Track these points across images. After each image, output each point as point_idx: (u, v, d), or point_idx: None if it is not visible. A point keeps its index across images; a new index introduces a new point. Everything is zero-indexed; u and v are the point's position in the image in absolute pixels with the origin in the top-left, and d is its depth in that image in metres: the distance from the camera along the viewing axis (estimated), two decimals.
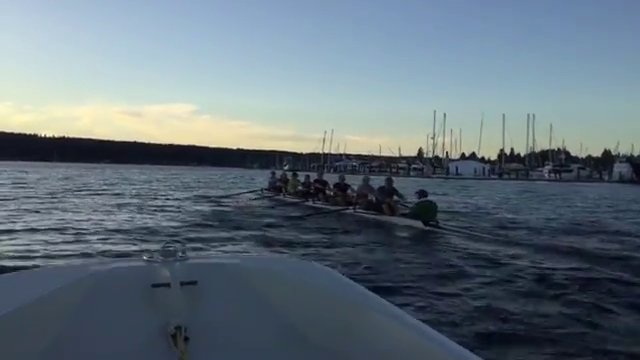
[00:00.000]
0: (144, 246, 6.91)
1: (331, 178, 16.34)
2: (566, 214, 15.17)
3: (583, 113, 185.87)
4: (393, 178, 12.65)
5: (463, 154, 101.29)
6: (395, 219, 10.78)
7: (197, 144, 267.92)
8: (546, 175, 72.07)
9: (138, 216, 11.41)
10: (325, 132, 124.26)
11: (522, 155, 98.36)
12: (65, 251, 6.57)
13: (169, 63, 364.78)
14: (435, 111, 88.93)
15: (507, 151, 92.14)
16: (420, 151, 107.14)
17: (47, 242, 7.23)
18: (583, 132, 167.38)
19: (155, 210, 12.77)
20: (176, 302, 1.45)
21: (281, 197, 16.00)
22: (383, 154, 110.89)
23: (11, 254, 6.24)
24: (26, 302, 1.36)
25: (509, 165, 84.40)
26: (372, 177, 15.99)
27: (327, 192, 14.37)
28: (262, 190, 18.27)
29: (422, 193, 10.52)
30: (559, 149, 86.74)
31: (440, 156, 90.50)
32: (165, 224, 9.96)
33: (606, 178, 69.33)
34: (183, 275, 1.51)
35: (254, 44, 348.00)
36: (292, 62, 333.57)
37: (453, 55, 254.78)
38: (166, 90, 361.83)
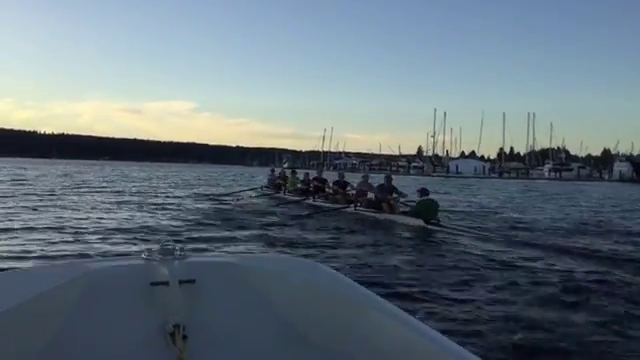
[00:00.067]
0: (144, 246, 6.65)
1: (331, 176, 16.26)
2: (573, 214, 15.00)
3: (583, 112, 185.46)
4: (393, 176, 12.62)
5: (463, 152, 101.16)
6: (396, 217, 10.70)
7: (197, 141, 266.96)
8: (546, 174, 71.95)
9: (138, 214, 11.21)
10: (325, 130, 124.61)
11: (522, 154, 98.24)
12: (63, 251, 6.35)
13: (169, 60, 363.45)
14: (435, 109, 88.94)
15: (506, 150, 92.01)
16: (420, 149, 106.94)
17: (45, 241, 7.02)
18: (583, 131, 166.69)
19: (155, 208, 12.58)
20: (174, 300, 1.44)
21: (281, 195, 15.92)
22: (383, 152, 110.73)
23: (7, 254, 6.03)
24: (24, 300, 1.34)
25: (509, 164, 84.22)
26: (372, 175, 15.84)
27: (327, 190, 14.24)
28: (262, 188, 18.18)
29: (424, 191, 10.46)
30: (559, 148, 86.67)
31: (440, 154, 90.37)
32: (166, 222, 9.77)
33: (606, 177, 69.23)
34: (182, 273, 1.49)
35: (254, 42, 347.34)
36: (292, 60, 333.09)
37: (453, 53, 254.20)
38: (166, 87, 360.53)
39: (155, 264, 1.55)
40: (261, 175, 29.61)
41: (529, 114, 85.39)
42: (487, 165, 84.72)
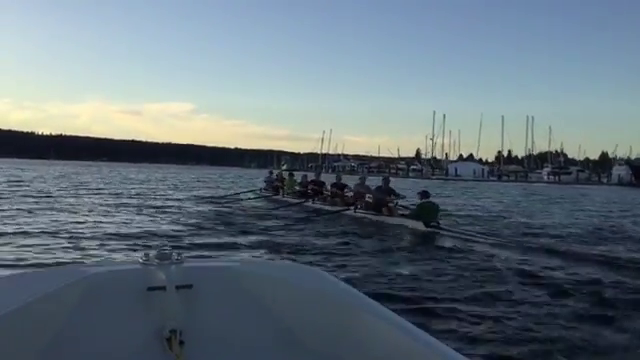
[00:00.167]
0: (143, 252, 6.34)
1: (329, 178, 16.12)
2: (582, 218, 14.72)
3: (582, 115, 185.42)
4: (392, 179, 12.66)
5: (461, 155, 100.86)
6: (396, 220, 10.66)
7: (195, 143, 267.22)
8: (545, 177, 71.59)
9: (137, 218, 10.88)
10: (324, 132, 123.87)
11: (519, 157, 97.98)
12: (59, 259, 5.98)
13: (167, 62, 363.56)
14: (435, 112, 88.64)
15: (505, 153, 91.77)
16: (418, 152, 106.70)
17: (38, 248, 6.66)
18: (582, 134, 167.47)
19: (155, 211, 12.24)
20: (171, 306, 1.44)
21: (280, 197, 15.78)
22: (382, 154, 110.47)
23: None
24: (21, 304, 1.32)
25: (508, 167, 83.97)
26: (371, 178, 15.71)
27: (325, 192, 14.16)
28: (261, 190, 18.05)
29: (424, 194, 10.40)
30: (557, 151, 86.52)
31: (438, 157, 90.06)
32: (165, 227, 9.48)
33: (605, 181, 69.00)
34: (179, 278, 1.49)
35: (252, 43, 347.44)
36: (290, 62, 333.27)
37: (453, 55, 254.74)
38: (164, 89, 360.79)
39: (152, 269, 1.53)
40: (261, 177, 29.36)
41: (528, 117, 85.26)
42: (486, 168, 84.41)
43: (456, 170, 77.17)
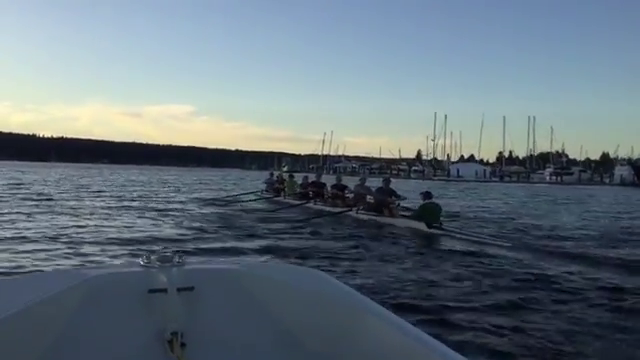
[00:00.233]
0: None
1: (330, 180, 16.02)
2: (593, 220, 14.47)
3: (583, 115, 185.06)
4: (394, 180, 12.84)
5: (462, 156, 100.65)
6: (398, 221, 10.60)
7: (196, 145, 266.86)
8: (547, 178, 71.41)
9: (139, 221, 10.65)
10: (325, 133, 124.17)
11: (520, 158, 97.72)
12: (59, 266, 5.75)
13: (167, 64, 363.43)
14: (436, 113, 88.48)
15: (505, 154, 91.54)
16: (419, 153, 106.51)
17: (38, 254, 6.41)
18: (583, 135, 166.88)
19: (157, 215, 12.00)
20: (173, 308, 1.43)
21: (281, 199, 15.73)
22: (383, 156, 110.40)
23: None
24: (21, 307, 1.32)
25: (510, 168, 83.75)
26: (373, 179, 15.60)
27: (325, 194, 14.15)
28: (262, 192, 18.02)
29: (427, 195, 10.32)
30: (558, 152, 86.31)
31: (439, 158, 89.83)
32: (169, 231, 9.26)
33: (607, 181, 68.78)
34: (180, 281, 1.49)
35: (252, 45, 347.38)
36: (291, 63, 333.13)
37: (454, 56, 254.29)
38: (165, 91, 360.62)
39: (153, 271, 1.53)
40: (262, 179, 29.19)
41: (529, 117, 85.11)
42: (488, 169, 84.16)
43: (458, 171, 76.99)
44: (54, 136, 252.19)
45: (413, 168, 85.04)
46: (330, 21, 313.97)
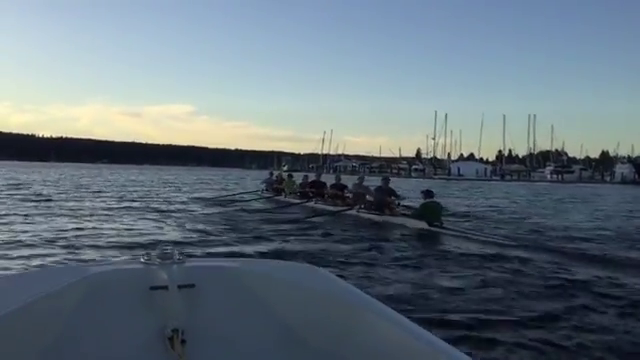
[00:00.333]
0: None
1: (330, 179, 15.92)
2: (605, 219, 14.18)
3: (583, 114, 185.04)
4: (394, 179, 12.59)
5: (462, 155, 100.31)
6: (400, 219, 10.54)
7: (196, 144, 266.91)
8: (548, 176, 71.24)
9: (140, 222, 10.38)
10: (324, 132, 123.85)
11: (520, 156, 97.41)
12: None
13: (167, 64, 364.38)
14: (436, 111, 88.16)
15: (505, 152, 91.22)
16: (419, 152, 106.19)
17: (36, 259, 6.09)
18: (583, 133, 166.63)
19: (159, 216, 11.74)
20: (173, 305, 1.43)
21: (281, 198, 15.64)
22: (383, 155, 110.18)
23: None
24: (22, 304, 1.32)
25: (510, 166, 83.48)
26: (372, 178, 15.42)
27: (325, 193, 14.12)
28: (262, 191, 17.90)
29: (428, 193, 10.24)
30: (558, 150, 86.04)
31: (439, 157, 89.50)
32: (170, 232, 9.00)
33: (608, 179, 68.59)
34: (181, 278, 1.49)
35: (252, 45, 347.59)
36: (291, 62, 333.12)
37: (454, 55, 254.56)
38: (164, 91, 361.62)
39: (154, 268, 1.52)
40: (262, 178, 29.00)
41: (530, 116, 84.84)
42: (488, 167, 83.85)
43: (459, 170, 76.79)
44: (54, 136, 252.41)
45: (413, 167, 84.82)
46: (330, 21, 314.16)
